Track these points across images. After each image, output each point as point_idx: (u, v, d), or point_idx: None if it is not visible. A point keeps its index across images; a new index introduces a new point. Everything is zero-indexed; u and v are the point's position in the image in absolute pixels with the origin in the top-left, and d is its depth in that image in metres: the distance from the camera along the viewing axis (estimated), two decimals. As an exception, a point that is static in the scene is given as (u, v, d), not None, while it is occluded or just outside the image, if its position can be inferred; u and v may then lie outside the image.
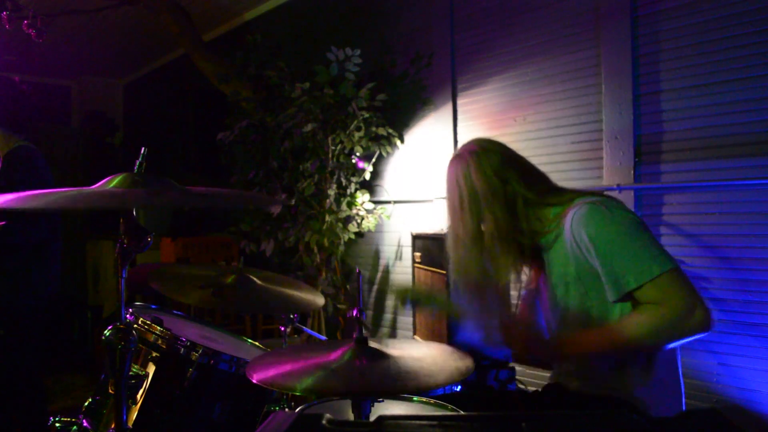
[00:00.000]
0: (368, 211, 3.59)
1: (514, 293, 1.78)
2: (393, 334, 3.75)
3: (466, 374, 1.18)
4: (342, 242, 3.55)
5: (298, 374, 1.15)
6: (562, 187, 1.60)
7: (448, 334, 2.59)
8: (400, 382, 1.10)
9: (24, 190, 1.08)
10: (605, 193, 1.62)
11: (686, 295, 1.32)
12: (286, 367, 1.19)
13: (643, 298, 1.34)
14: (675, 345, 1.41)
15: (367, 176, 3.58)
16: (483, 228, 1.54)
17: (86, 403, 1.55)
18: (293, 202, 3.40)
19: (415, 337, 3.10)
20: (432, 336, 2.86)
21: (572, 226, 1.41)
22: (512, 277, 1.59)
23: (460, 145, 3.16)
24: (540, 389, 1.69)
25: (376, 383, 1.11)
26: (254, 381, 1.13)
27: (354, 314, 1.31)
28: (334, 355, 1.21)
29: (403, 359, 1.22)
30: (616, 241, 1.36)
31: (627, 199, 2.52)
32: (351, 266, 3.89)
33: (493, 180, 1.53)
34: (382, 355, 1.21)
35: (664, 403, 1.45)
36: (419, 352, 1.30)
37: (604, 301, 1.42)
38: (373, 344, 1.25)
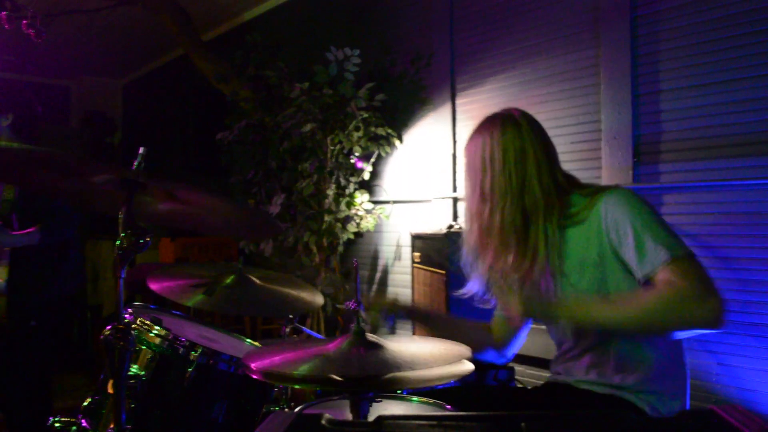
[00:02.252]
0: (367, 211, 3.59)
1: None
2: (392, 334, 3.75)
3: (462, 360, 1.18)
4: (341, 242, 3.55)
5: (295, 362, 1.15)
6: (574, 177, 1.60)
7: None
8: (397, 370, 1.10)
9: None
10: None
11: (703, 282, 1.31)
12: (284, 356, 1.19)
13: (659, 277, 1.32)
14: (681, 333, 1.40)
15: (366, 176, 3.58)
16: (524, 190, 1.49)
17: (85, 403, 1.55)
18: (278, 209, 3.41)
19: (415, 336, 3.10)
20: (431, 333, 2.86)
21: (607, 206, 1.41)
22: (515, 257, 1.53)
23: (460, 144, 3.15)
24: (539, 386, 1.69)
25: (373, 370, 1.11)
26: (252, 367, 1.13)
27: (351, 306, 1.31)
28: (332, 345, 1.21)
29: (401, 349, 1.22)
30: (653, 220, 1.38)
31: (626, 199, 2.52)
32: (350, 267, 3.89)
33: (543, 147, 1.52)
34: (380, 345, 1.22)
35: (666, 405, 1.45)
36: (417, 344, 1.31)
37: (621, 289, 1.41)
38: (370, 336, 1.25)
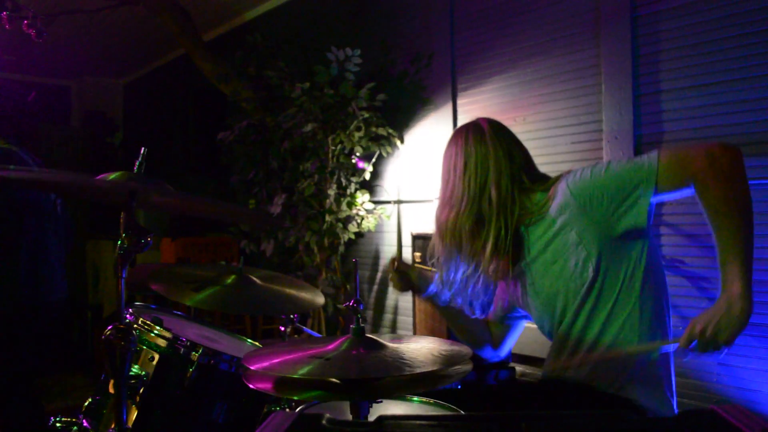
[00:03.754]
0: (368, 211, 3.59)
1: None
2: (393, 334, 3.75)
3: (463, 363, 1.18)
4: (342, 242, 3.55)
5: (295, 363, 1.15)
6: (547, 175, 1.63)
7: (448, 334, 2.59)
8: (397, 370, 1.10)
9: None
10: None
11: (698, 144, 1.39)
12: (283, 357, 1.19)
13: (667, 175, 1.37)
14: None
15: (367, 176, 3.58)
16: (482, 195, 1.54)
17: (86, 403, 1.55)
18: (279, 210, 3.40)
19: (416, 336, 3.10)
20: (432, 335, 2.86)
21: (569, 183, 1.46)
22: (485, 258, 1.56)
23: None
24: (537, 381, 1.70)
25: (373, 371, 1.11)
26: (252, 369, 1.13)
27: (351, 304, 1.31)
28: (332, 346, 1.21)
29: (400, 349, 1.22)
30: (616, 162, 1.45)
31: (627, 199, 2.52)
32: (351, 267, 3.89)
33: (506, 152, 1.56)
34: (379, 345, 1.21)
35: (653, 406, 1.45)
36: (416, 344, 1.30)
37: (612, 261, 1.42)
38: (370, 335, 1.25)
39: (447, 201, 1.59)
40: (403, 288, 1.72)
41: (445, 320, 1.83)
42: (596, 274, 1.43)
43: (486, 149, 1.55)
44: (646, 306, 1.44)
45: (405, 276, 1.71)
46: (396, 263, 1.71)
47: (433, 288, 1.68)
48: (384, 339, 1.26)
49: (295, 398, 1.47)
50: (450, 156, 1.61)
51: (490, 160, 1.54)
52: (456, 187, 1.57)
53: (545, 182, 1.56)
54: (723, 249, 1.36)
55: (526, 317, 1.75)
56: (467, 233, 1.53)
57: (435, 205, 1.67)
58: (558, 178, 1.52)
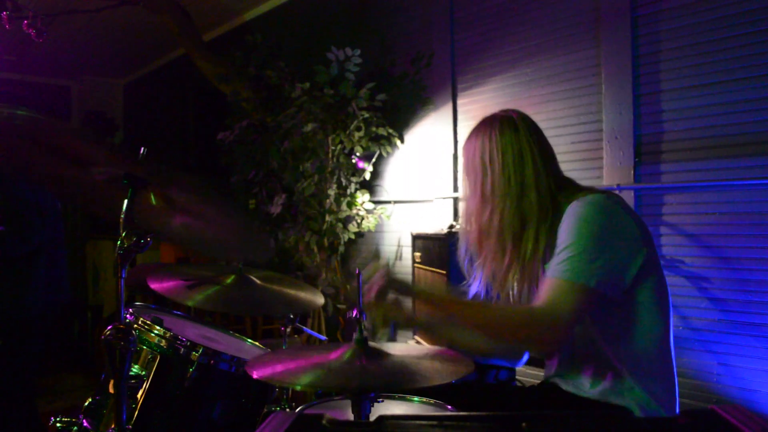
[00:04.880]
0: (368, 211, 3.59)
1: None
2: (393, 337, 3.75)
3: (465, 374, 1.17)
4: (342, 242, 3.55)
5: (298, 372, 1.15)
6: (570, 179, 1.59)
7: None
8: (400, 381, 1.10)
9: None
10: (611, 191, 1.59)
11: (565, 311, 1.30)
12: (286, 365, 1.19)
13: (542, 288, 1.35)
14: (508, 345, 1.42)
15: (367, 176, 3.58)
16: (523, 195, 1.48)
17: (86, 403, 1.55)
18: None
19: (416, 337, 3.10)
20: (432, 342, 2.86)
21: (567, 214, 1.42)
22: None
23: (461, 144, 3.15)
24: (536, 385, 1.69)
25: (376, 381, 1.11)
26: (255, 377, 1.13)
27: (354, 315, 1.31)
28: (334, 355, 1.21)
29: (403, 359, 1.22)
30: (589, 236, 1.36)
31: (627, 199, 2.52)
32: (351, 267, 3.89)
33: (541, 151, 1.52)
34: (382, 355, 1.21)
35: (650, 407, 1.44)
36: (419, 353, 1.30)
37: None
38: (373, 344, 1.25)
39: (488, 197, 1.51)
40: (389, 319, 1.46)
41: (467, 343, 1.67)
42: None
43: (521, 146, 1.50)
44: (646, 314, 1.43)
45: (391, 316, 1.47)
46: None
47: (471, 288, 1.60)
48: (386, 347, 1.26)
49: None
50: (482, 148, 1.53)
51: (527, 158, 1.49)
52: (497, 184, 1.50)
53: (570, 188, 1.53)
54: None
55: None
56: (516, 233, 1.48)
57: (464, 201, 1.60)
58: (574, 197, 1.46)
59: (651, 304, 1.44)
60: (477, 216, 1.55)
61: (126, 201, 1.28)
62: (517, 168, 1.49)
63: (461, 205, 1.64)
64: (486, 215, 1.52)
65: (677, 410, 1.49)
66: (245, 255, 1.86)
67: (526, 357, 1.71)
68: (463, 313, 1.38)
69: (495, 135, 1.52)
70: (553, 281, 1.33)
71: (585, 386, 1.48)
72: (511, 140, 1.50)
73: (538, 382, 1.68)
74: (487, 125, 1.56)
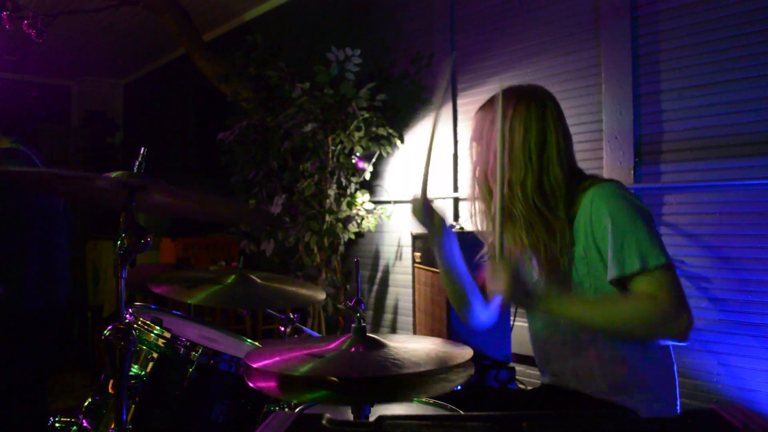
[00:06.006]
0: (368, 211, 3.59)
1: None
2: (393, 334, 3.75)
3: (463, 363, 1.17)
4: (342, 242, 3.55)
5: (296, 362, 1.15)
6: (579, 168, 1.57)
7: (449, 334, 2.59)
8: (397, 369, 1.10)
9: None
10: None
11: (679, 297, 1.30)
12: (284, 356, 1.19)
13: (638, 286, 1.33)
14: (649, 341, 1.41)
15: (367, 176, 3.58)
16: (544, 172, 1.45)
17: (86, 403, 1.55)
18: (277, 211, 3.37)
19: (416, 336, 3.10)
20: (432, 335, 2.86)
21: (593, 201, 1.40)
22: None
23: (461, 144, 3.12)
24: (537, 387, 1.69)
25: (373, 369, 1.11)
26: (254, 367, 1.13)
27: (352, 304, 1.30)
28: (333, 345, 1.21)
29: (400, 348, 1.22)
30: (634, 223, 1.35)
31: (627, 199, 2.52)
32: (351, 267, 3.89)
33: (564, 134, 1.50)
34: (380, 344, 1.21)
35: (653, 407, 1.44)
36: (417, 344, 1.30)
37: (600, 285, 1.41)
38: (371, 335, 1.25)
39: (509, 165, 1.46)
40: (422, 217, 1.55)
41: (441, 276, 1.65)
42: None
43: (545, 123, 1.47)
44: None
45: (429, 206, 1.55)
46: (423, 195, 1.55)
47: (447, 235, 1.58)
48: (385, 338, 1.26)
49: (294, 401, 1.46)
50: (504, 116, 1.48)
51: (549, 136, 1.46)
52: (516, 153, 1.46)
53: (581, 177, 1.50)
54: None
55: None
56: (542, 210, 1.44)
57: (475, 155, 1.56)
58: (591, 186, 1.44)
59: None
60: (496, 181, 1.46)
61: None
62: (538, 146, 1.46)
63: (472, 164, 1.58)
64: (506, 185, 1.46)
65: (678, 410, 1.49)
66: (250, 222, 1.84)
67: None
68: (583, 316, 1.36)
69: (521, 109, 1.49)
70: (638, 276, 1.32)
71: (587, 386, 1.48)
72: (536, 117, 1.48)
73: (538, 382, 1.68)
74: (512, 96, 1.52)
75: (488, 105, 1.58)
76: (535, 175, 1.45)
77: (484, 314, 1.69)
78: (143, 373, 1.53)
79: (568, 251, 1.45)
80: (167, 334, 1.56)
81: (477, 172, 1.56)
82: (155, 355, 1.55)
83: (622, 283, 1.35)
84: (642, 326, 1.31)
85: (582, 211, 1.43)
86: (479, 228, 1.60)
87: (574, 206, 1.45)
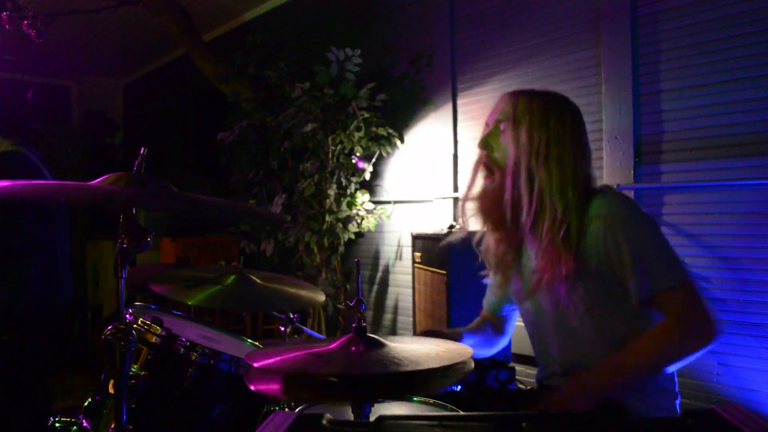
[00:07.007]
0: (368, 211, 3.59)
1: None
2: (393, 334, 3.75)
3: (463, 362, 1.17)
4: (342, 242, 3.55)
5: (297, 362, 1.15)
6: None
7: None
8: (397, 366, 1.10)
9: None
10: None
11: (706, 311, 1.33)
12: (285, 356, 1.19)
13: (665, 303, 1.33)
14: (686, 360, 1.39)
15: (367, 176, 3.58)
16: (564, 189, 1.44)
17: (86, 403, 1.55)
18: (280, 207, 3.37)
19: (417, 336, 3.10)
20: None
21: (607, 214, 1.38)
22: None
23: (461, 144, 3.13)
24: (536, 387, 1.69)
25: (374, 370, 1.11)
26: (255, 366, 1.13)
27: (352, 303, 1.30)
28: (334, 345, 1.21)
29: (400, 348, 1.22)
30: (653, 241, 1.36)
31: (627, 199, 2.52)
32: (351, 267, 3.89)
33: (584, 149, 1.52)
34: (380, 343, 1.21)
35: (655, 411, 1.44)
36: (417, 343, 1.30)
37: (609, 304, 1.41)
38: (371, 335, 1.25)
39: (526, 176, 1.45)
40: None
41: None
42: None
43: (566, 138, 1.47)
44: (656, 314, 1.43)
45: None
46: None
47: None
48: (385, 338, 1.26)
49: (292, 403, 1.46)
50: (526, 124, 1.49)
51: (566, 150, 1.47)
52: (536, 166, 1.45)
53: (588, 194, 1.49)
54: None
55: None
56: (560, 218, 1.42)
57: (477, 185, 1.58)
58: (594, 198, 1.44)
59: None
60: (512, 184, 1.48)
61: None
62: (558, 160, 1.46)
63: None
64: (524, 186, 1.46)
65: (678, 410, 1.49)
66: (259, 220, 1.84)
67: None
68: (628, 372, 1.36)
69: (547, 120, 1.50)
70: (666, 293, 1.34)
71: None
72: (558, 130, 1.49)
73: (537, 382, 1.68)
74: (534, 101, 1.55)
75: (527, 96, 1.58)
76: (581, 173, 1.48)
77: (504, 341, 1.77)
78: (143, 373, 1.53)
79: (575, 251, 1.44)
80: (167, 334, 1.56)
81: (520, 159, 1.49)
82: (155, 355, 1.55)
83: (645, 302, 1.35)
84: (676, 350, 1.33)
85: (592, 225, 1.41)
86: (467, 227, 1.61)
87: (584, 217, 1.43)
